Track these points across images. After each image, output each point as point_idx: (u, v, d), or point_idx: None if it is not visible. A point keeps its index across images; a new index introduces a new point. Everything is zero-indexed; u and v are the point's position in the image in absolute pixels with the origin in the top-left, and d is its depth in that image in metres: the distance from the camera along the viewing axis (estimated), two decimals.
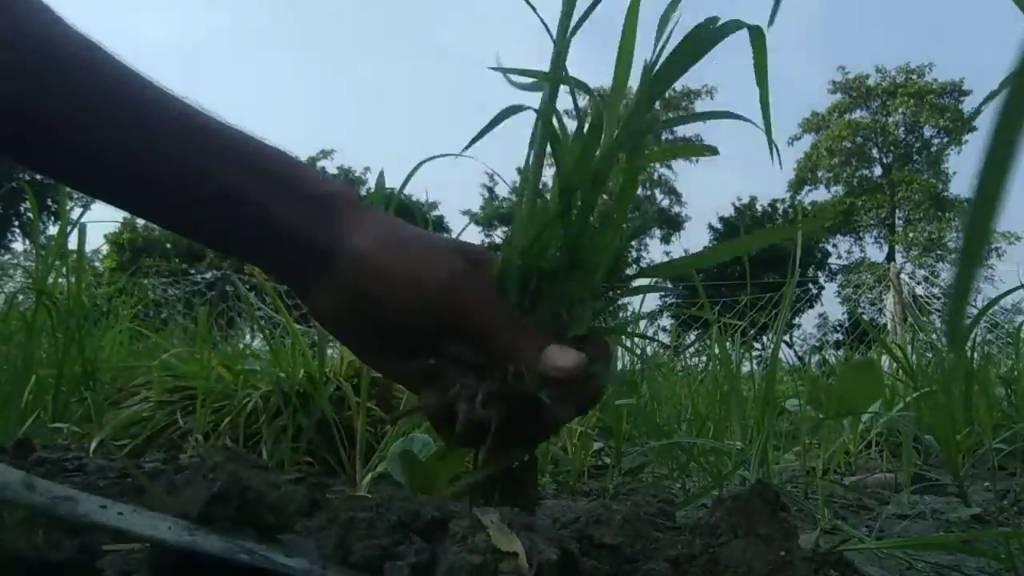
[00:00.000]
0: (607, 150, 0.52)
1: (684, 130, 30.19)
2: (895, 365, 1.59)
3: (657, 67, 0.52)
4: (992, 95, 0.36)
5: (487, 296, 0.51)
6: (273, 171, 0.53)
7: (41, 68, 0.49)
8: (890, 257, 26.25)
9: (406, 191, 0.89)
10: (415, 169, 0.85)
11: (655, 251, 30.78)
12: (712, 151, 0.66)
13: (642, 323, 1.89)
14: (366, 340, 0.54)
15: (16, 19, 0.48)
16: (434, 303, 0.50)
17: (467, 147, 0.59)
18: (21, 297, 1.67)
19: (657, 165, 30.18)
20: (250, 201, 0.51)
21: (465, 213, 28.24)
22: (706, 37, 0.50)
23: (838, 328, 26.12)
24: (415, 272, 0.50)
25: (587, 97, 0.55)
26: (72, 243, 1.41)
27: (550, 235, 0.52)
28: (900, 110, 28.14)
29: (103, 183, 0.53)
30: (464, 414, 0.49)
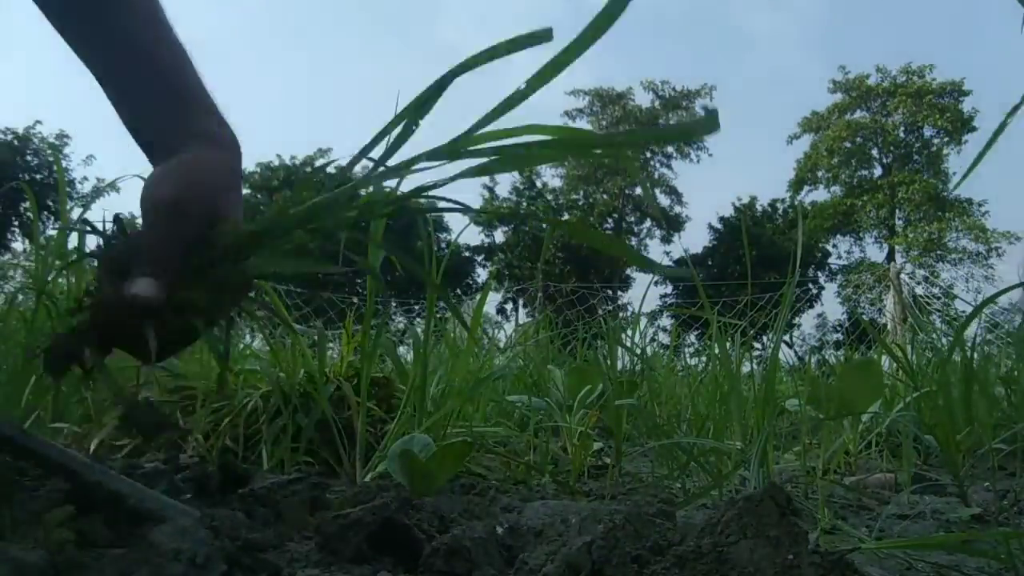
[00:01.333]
0: None
1: None
2: (895, 365, 1.59)
3: None
4: (1014, 110, 0.36)
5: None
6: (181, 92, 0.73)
7: None
8: (890, 257, 26.24)
9: (405, 191, 0.89)
10: (409, 164, 0.85)
11: (655, 251, 30.78)
12: None
13: (643, 322, 1.89)
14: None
15: None
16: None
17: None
18: (21, 297, 1.67)
19: (657, 165, 30.21)
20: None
21: (465, 214, 28.16)
22: None
23: (838, 328, 26.12)
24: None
25: None
26: (72, 243, 1.41)
27: None
28: (900, 110, 28.13)
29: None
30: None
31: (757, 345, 1.80)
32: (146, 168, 0.73)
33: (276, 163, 27.38)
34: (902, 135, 28.76)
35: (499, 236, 29.87)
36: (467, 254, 28.90)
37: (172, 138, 0.70)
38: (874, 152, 29.24)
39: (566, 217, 29.50)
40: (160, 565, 0.47)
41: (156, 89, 0.72)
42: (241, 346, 1.83)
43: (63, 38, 0.75)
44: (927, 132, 28.45)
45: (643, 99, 30.21)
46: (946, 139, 27.86)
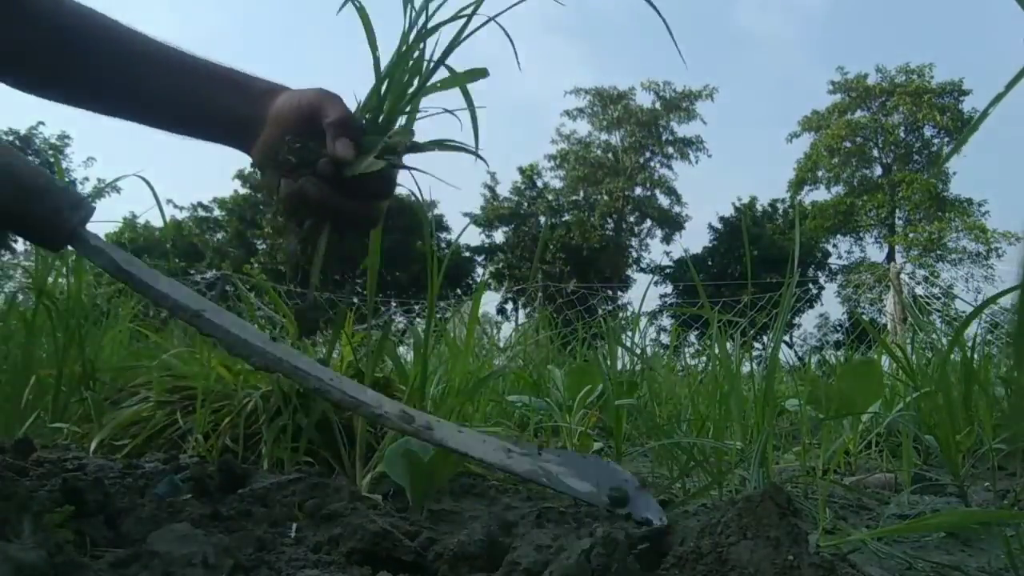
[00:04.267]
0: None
1: (684, 131, 30.22)
2: (895, 365, 1.58)
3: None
4: (997, 99, 0.36)
5: (340, 104, 0.81)
6: (235, 81, 0.85)
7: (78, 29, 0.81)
8: (890, 257, 26.23)
9: (405, 191, 0.89)
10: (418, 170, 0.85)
11: (655, 251, 30.81)
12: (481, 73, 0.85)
13: (642, 322, 1.89)
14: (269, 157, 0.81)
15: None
16: (310, 105, 0.80)
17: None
18: (21, 297, 1.67)
19: (657, 166, 30.20)
20: (221, 104, 0.83)
21: (466, 215, 28.21)
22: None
23: (838, 328, 26.13)
24: (299, 95, 0.82)
25: None
26: None
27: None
28: (900, 110, 28.13)
29: (122, 104, 0.86)
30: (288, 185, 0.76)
31: (757, 345, 1.80)
32: (139, 167, 0.79)
33: None
34: (902, 135, 28.77)
35: (499, 236, 29.88)
36: (467, 254, 28.90)
37: (257, 102, 0.83)
38: (874, 152, 29.26)
39: (566, 218, 29.50)
40: (166, 571, 0.47)
41: (222, 95, 0.83)
42: None
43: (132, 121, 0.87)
44: (927, 132, 28.46)
45: (644, 99, 30.22)
46: (946, 139, 27.86)
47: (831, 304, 27.62)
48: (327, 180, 0.75)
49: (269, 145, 0.80)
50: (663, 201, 30.02)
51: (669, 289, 26.57)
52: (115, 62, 0.82)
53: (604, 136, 30.61)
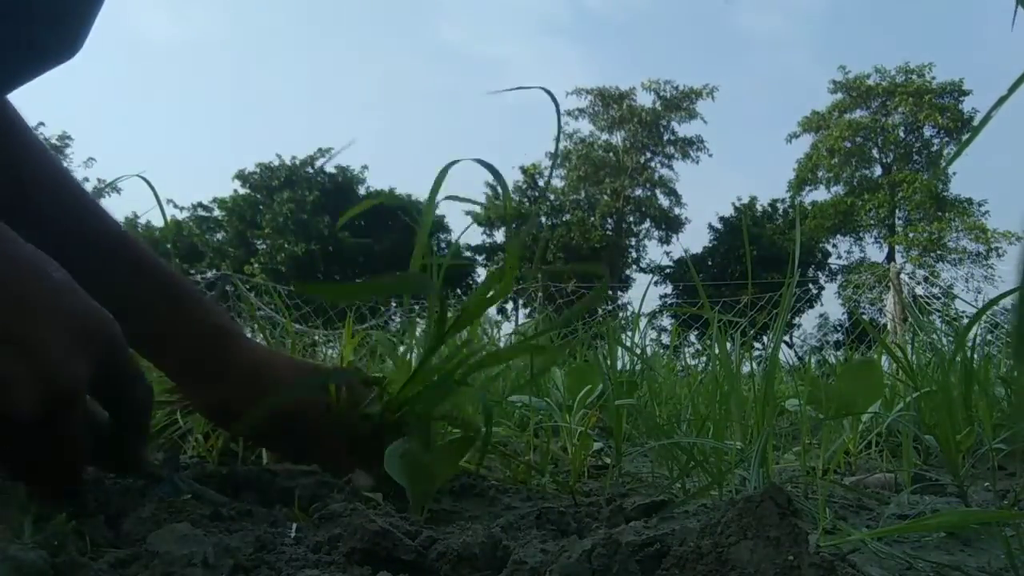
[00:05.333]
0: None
1: (685, 132, 30.22)
2: (895, 365, 1.58)
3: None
4: (1000, 102, 0.36)
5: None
6: (190, 314, 0.82)
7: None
8: (890, 257, 26.23)
9: (405, 191, 0.89)
10: (440, 177, 0.86)
11: (654, 252, 30.80)
12: None
13: (642, 322, 1.89)
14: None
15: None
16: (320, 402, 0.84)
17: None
18: None
19: (658, 166, 30.21)
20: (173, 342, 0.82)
21: (468, 213, 28.16)
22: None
23: (838, 328, 26.15)
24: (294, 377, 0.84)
25: None
26: None
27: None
28: (900, 110, 28.13)
29: None
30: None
31: (757, 345, 1.80)
32: (139, 168, 0.77)
33: (276, 163, 27.36)
34: (902, 135, 28.77)
35: (500, 236, 29.88)
36: (468, 254, 28.92)
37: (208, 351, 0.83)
38: (874, 152, 29.25)
39: (567, 217, 29.50)
40: (166, 571, 0.47)
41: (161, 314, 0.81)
42: None
43: None
44: (927, 132, 28.46)
45: (645, 99, 30.22)
46: (946, 139, 27.86)
47: (831, 304, 27.63)
48: None
49: (282, 429, 0.84)
50: (663, 201, 30.04)
51: (669, 289, 26.58)
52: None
53: (605, 136, 30.64)
